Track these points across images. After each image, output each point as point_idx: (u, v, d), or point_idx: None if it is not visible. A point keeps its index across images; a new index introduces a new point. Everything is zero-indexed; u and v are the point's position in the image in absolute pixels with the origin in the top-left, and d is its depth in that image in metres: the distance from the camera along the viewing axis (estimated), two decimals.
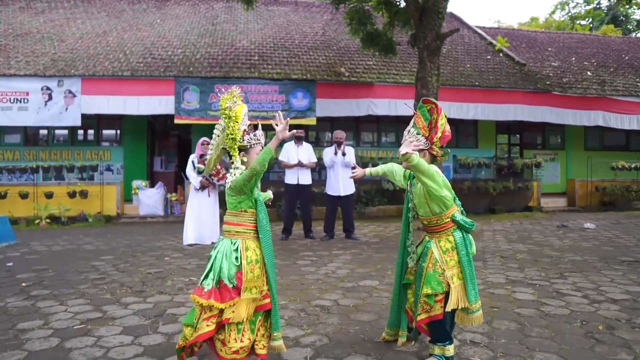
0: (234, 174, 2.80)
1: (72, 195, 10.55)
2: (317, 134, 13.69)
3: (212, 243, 7.52)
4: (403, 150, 2.70)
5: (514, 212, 12.21)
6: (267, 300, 2.80)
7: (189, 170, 7.63)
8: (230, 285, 2.67)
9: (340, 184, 7.97)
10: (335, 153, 7.94)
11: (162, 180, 12.30)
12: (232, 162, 2.82)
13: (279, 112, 2.86)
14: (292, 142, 8.14)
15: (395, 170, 3.28)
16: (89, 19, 14.62)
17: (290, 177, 8.04)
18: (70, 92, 10.81)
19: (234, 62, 12.07)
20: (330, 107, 11.84)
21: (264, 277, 2.79)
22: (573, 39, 18.63)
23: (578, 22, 31.75)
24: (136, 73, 11.17)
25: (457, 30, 9.24)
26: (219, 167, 7.61)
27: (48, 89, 10.81)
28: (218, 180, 7.62)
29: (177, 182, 12.69)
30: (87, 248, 7.21)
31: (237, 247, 2.75)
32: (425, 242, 3.04)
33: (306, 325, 3.63)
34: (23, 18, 14.24)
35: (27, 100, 10.77)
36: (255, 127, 2.93)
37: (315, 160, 8.17)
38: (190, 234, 7.51)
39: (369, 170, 3.41)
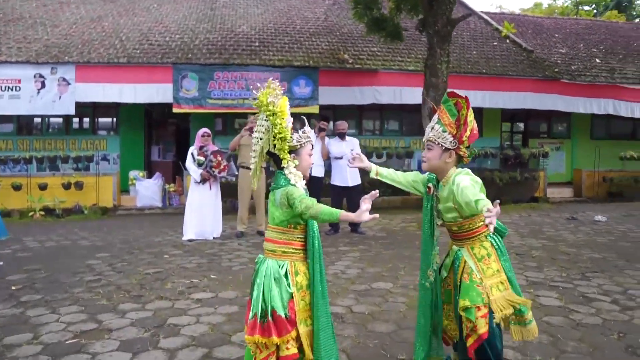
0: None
1: (67, 186, 10.21)
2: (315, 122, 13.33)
3: (214, 238, 7.24)
4: (493, 221, 2.06)
5: (520, 202, 11.89)
6: (294, 351, 2.29)
7: (189, 163, 7.28)
8: (285, 316, 2.27)
9: (348, 174, 7.70)
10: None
11: (159, 170, 11.97)
12: (284, 167, 2.40)
13: (376, 192, 2.29)
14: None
15: (411, 181, 2.81)
16: (83, 3, 14.12)
17: None
18: (64, 79, 10.40)
19: (234, 49, 11.66)
20: (334, 95, 11.46)
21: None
22: (580, 25, 18.18)
23: (582, 7, 31.19)
24: (132, 60, 10.75)
25: (469, 15, 8.88)
26: (219, 158, 7.29)
27: (41, 76, 10.39)
28: (219, 172, 7.30)
29: (176, 172, 12.35)
30: (82, 244, 6.89)
31: (286, 271, 2.34)
32: (453, 252, 2.66)
33: None
34: (14, 2, 13.73)
35: (19, 89, 10.35)
36: (302, 122, 2.52)
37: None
38: (191, 229, 7.21)
39: (375, 169, 2.83)
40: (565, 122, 15.04)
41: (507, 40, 14.25)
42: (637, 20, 29.68)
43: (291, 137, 2.39)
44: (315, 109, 11.27)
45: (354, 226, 7.90)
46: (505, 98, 12.26)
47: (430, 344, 2.65)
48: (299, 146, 2.43)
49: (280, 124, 2.34)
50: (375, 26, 9.70)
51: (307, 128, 2.47)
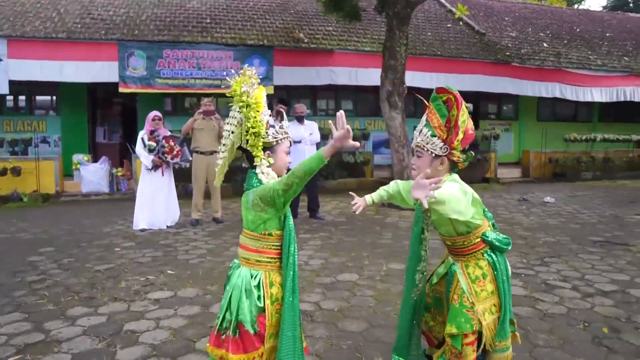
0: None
1: (2, 172, 9.42)
2: (271, 103, 12.99)
3: (168, 227, 6.91)
4: (416, 195, 1.93)
5: (472, 183, 12.06)
6: None
7: (139, 149, 6.85)
8: (252, 332, 2.06)
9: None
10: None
11: (105, 152, 11.31)
12: (256, 166, 2.17)
13: (341, 112, 1.99)
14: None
15: (401, 190, 2.60)
16: None
17: None
18: None
19: (184, 25, 11.07)
20: (289, 75, 11.16)
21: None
22: (527, 9, 18.61)
23: None
24: (73, 35, 9.98)
25: None
26: (172, 143, 6.91)
27: None
28: (172, 158, 6.92)
29: (123, 156, 11.72)
30: (22, 237, 6.37)
31: (259, 282, 2.12)
32: (448, 263, 2.48)
33: None
34: None
35: None
36: (280, 116, 2.25)
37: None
38: (142, 218, 6.82)
39: (370, 199, 2.63)
40: (512, 104, 15.47)
41: (461, 23, 14.35)
42: (576, 6, 30.85)
43: (266, 133, 2.15)
44: (270, 90, 10.93)
45: (313, 212, 7.78)
46: (459, 80, 12.35)
47: (409, 351, 2.53)
48: (274, 143, 2.18)
49: (255, 117, 2.10)
50: (333, 6, 9.45)
51: (285, 123, 2.23)
